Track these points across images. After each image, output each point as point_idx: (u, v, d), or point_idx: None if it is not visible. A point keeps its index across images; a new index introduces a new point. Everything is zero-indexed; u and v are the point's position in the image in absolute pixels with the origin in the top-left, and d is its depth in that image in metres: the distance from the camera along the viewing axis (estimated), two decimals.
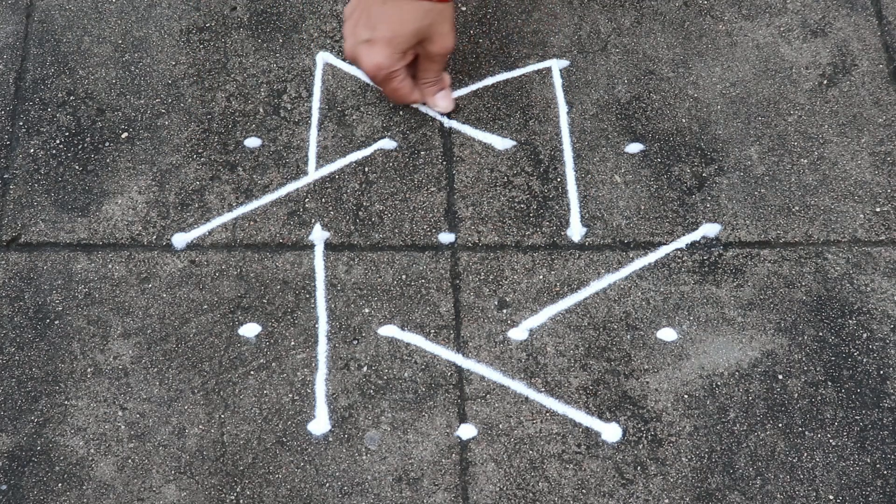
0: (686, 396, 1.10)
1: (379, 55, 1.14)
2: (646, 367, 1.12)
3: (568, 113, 1.28)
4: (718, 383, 1.11)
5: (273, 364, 1.12)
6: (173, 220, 1.21)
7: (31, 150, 1.26)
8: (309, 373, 1.12)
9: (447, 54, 1.18)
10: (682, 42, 1.34)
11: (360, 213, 1.21)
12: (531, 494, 1.05)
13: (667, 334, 1.14)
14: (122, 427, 1.08)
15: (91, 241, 1.20)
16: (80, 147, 1.26)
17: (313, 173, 1.24)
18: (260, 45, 1.33)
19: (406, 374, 1.12)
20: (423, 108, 1.29)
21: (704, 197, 1.23)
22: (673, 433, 1.08)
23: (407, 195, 1.23)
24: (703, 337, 1.14)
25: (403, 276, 1.17)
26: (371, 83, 1.27)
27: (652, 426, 1.09)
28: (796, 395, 1.10)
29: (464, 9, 1.36)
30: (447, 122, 1.28)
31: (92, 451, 1.07)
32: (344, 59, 1.30)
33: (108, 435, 1.08)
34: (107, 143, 1.26)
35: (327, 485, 1.06)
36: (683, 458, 1.07)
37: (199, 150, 1.26)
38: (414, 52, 1.17)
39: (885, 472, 1.06)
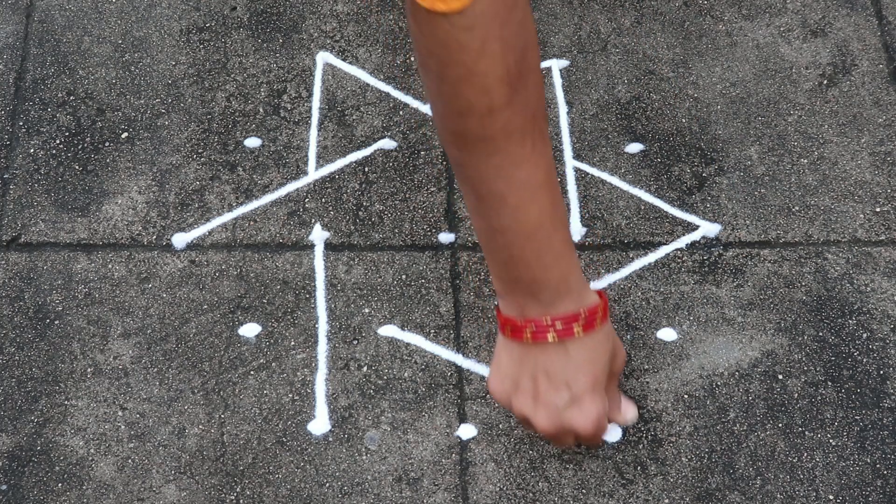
0: (686, 396, 1.10)
1: (593, 408, 0.92)
2: (646, 367, 1.12)
3: (568, 113, 1.28)
4: (718, 383, 1.11)
5: (273, 364, 1.12)
6: (173, 220, 1.21)
7: (31, 150, 1.26)
8: (309, 373, 1.12)
9: (623, 367, 0.99)
10: (682, 42, 1.34)
11: (360, 213, 1.21)
12: (531, 494, 1.05)
13: (667, 334, 1.14)
14: (122, 427, 1.08)
15: (91, 241, 1.20)
16: (80, 147, 1.26)
17: (313, 173, 1.24)
18: (260, 45, 1.33)
19: (406, 374, 1.12)
20: (422, 108, 1.29)
21: (704, 197, 1.23)
22: (673, 433, 1.08)
23: (407, 195, 1.23)
24: (703, 337, 1.14)
25: (403, 276, 1.17)
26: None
27: (652, 426, 1.09)
28: (796, 395, 1.10)
29: None
30: None
31: (92, 451, 1.07)
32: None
33: (108, 435, 1.08)
34: (107, 143, 1.26)
35: (327, 485, 1.06)
36: (683, 458, 1.07)
37: (199, 150, 1.26)
38: None
39: (885, 472, 1.06)
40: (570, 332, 0.89)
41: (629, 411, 1.03)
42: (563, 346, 0.89)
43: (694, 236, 1.20)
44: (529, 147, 0.81)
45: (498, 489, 1.06)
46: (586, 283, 0.92)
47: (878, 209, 1.22)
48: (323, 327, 1.14)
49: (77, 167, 1.24)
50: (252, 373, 1.12)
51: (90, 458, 1.07)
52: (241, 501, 1.05)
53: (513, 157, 0.81)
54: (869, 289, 1.17)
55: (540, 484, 1.06)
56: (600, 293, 0.94)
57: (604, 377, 0.93)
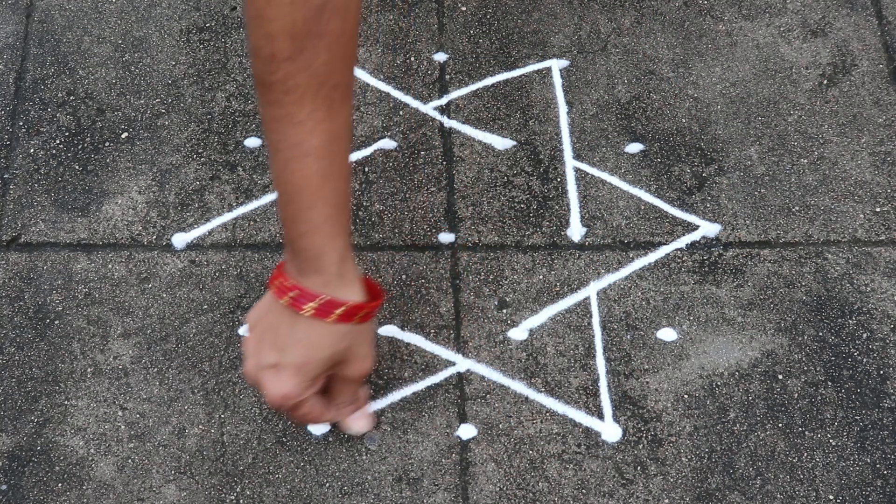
0: (686, 396, 1.10)
1: (286, 384, 0.94)
2: (646, 367, 1.12)
3: (568, 113, 1.28)
4: (718, 383, 1.11)
5: None
6: (173, 220, 1.21)
7: (31, 150, 1.26)
8: None
9: (365, 377, 1.01)
10: (682, 42, 1.34)
11: (360, 213, 1.21)
12: (531, 494, 1.05)
13: (667, 334, 1.14)
14: (122, 427, 1.08)
15: (91, 241, 1.20)
16: (80, 147, 1.26)
17: None
18: None
19: (406, 374, 1.12)
20: (422, 108, 1.29)
21: (704, 197, 1.23)
22: (673, 433, 1.08)
23: (407, 195, 1.23)
24: (703, 337, 1.14)
25: (403, 276, 1.17)
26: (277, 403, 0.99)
27: (652, 426, 1.09)
28: (796, 395, 1.11)
29: (464, 9, 1.36)
30: (447, 122, 1.28)
31: (92, 451, 1.07)
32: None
33: (108, 435, 1.08)
34: (107, 143, 1.26)
35: (327, 485, 1.06)
36: (683, 458, 1.07)
37: (199, 150, 1.26)
38: (325, 377, 0.98)
39: (885, 472, 1.06)
40: (299, 307, 0.92)
41: (356, 424, 1.06)
42: (294, 316, 0.92)
43: (694, 236, 1.20)
44: (308, 111, 0.84)
45: (498, 489, 1.06)
46: (355, 280, 0.94)
47: (878, 209, 1.22)
48: None
49: (77, 167, 1.24)
50: None
51: (90, 458, 1.07)
52: (241, 501, 1.05)
53: (290, 114, 0.84)
54: (869, 289, 1.17)
55: (540, 484, 1.06)
56: (374, 303, 0.96)
57: (317, 368, 0.95)
